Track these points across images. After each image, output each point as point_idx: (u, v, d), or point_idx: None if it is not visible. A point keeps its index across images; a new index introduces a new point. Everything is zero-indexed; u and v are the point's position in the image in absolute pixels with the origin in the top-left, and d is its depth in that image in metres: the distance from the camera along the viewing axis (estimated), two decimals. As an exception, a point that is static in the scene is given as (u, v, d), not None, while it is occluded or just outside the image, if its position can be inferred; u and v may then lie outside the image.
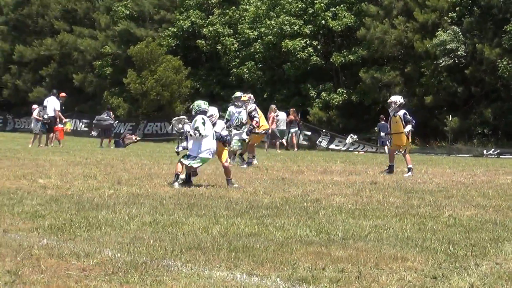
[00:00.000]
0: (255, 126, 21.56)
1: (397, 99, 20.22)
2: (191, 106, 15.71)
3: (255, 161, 21.94)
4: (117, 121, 44.95)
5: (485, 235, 9.14)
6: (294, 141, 38.97)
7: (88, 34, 60.01)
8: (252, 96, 22.52)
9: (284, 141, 37.52)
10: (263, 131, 22.73)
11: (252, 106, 21.79)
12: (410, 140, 20.59)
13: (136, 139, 21.01)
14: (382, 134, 22.52)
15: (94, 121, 39.55)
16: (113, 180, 15.43)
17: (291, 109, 39.73)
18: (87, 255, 7.38)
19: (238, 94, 22.55)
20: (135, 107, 53.19)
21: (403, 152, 20.08)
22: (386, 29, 44.81)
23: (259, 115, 22.08)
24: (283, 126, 37.28)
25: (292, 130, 38.60)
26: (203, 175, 16.61)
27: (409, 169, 19.60)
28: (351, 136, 23.58)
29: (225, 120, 20.48)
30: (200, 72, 54.30)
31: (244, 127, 21.58)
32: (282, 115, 37.34)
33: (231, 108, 22.22)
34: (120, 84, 54.22)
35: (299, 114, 40.80)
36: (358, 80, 46.22)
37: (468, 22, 43.21)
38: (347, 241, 8.58)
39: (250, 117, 21.56)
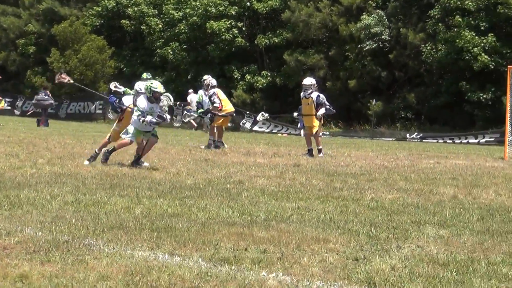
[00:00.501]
0: (218, 109, 21.58)
1: (313, 81, 20.37)
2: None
3: (226, 146, 22.10)
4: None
5: (407, 218, 9.23)
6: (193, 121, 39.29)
7: (11, 12, 58.94)
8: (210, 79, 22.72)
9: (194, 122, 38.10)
10: (227, 114, 22.49)
11: (211, 90, 21.83)
12: (322, 122, 20.71)
13: (69, 81, 20.82)
14: (295, 114, 22.63)
15: (33, 101, 39.20)
16: (35, 159, 15.18)
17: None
18: (8, 233, 7.23)
19: (205, 77, 22.66)
20: (58, 86, 52.40)
21: (315, 133, 20.17)
22: (311, 12, 44.99)
23: (222, 98, 22.06)
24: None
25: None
26: (125, 155, 16.45)
27: (320, 150, 19.83)
28: (262, 114, 23.57)
29: (197, 104, 21.99)
30: (124, 52, 53.79)
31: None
32: (194, 97, 37.97)
33: (201, 92, 22.38)
34: (44, 63, 53.43)
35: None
36: (282, 62, 46.37)
37: (393, 7, 43.68)
38: (269, 222, 8.57)
39: (211, 102, 21.58)
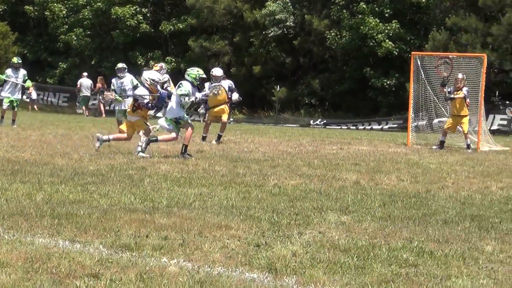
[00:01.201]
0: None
1: (222, 72, 20.49)
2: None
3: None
4: None
5: (309, 204, 9.31)
6: (101, 108, 38.97)
7: None
8: (163, 66, 22.56)
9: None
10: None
11: (165, 76, 21.74)
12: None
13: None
14: (201, 111, 22.65)
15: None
16: None
17: (99, 77, 40.13)
18: None
19: (120, 65, 22.51)
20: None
21: (226, 120, 20.22)
22: (216, -2, 44.94)
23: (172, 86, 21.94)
24: (87, 92, 39.56)
25: (100, 97, 38.62)
26: (28, 141, 16.16)
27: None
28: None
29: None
30: (27, 38, 52.65)
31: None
32: (87, 82, 39.33)
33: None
34: None
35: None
36: (187, 48, 46.19)
37: (298, -7, 43.95)
38: (171, 208, 8.54)
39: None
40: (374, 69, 40.40)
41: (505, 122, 34.14)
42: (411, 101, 23.10)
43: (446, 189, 11.51)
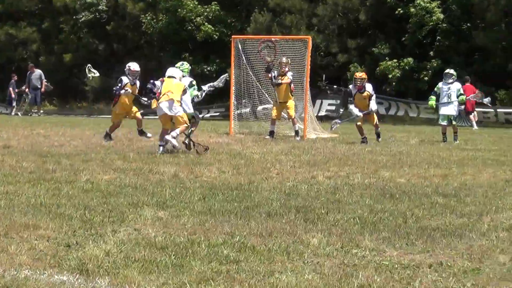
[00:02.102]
0: None
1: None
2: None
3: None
4: None
5: (124, 199, 9.26)
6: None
7: None
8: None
9: None
10: None
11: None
12: None
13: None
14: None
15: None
16: None
17: None
18: None
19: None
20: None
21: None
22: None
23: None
24: None
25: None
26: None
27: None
28: None
29: None
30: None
31: None
32: None
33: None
34: None
35: None
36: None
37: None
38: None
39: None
40: (194, 54, 40.53)
41: (333, 108, 34.85)
42: (232, 88, 23.26)
43: (270, 180, 11.68)
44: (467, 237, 7.41)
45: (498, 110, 32.29)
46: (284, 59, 21.35)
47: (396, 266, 6.28)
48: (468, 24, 36.05)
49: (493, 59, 34.65)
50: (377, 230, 7.68)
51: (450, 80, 20.65)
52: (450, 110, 20.67)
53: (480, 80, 33.53)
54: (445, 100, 20.58)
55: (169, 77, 16.38)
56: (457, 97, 20.55)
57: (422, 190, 10.67)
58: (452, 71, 21.09)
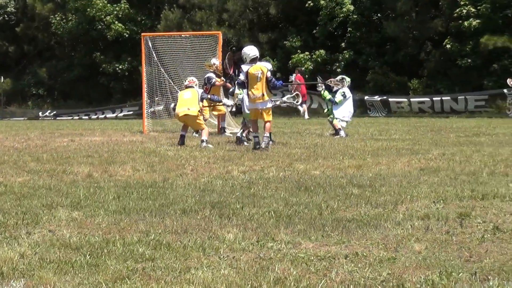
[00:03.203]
0: None
1: None
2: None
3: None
4: None
5: (38, 201, 9.15)
6: None
7: None
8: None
9: None
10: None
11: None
12: None
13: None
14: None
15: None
16: None
17: None
18: None
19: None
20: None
21: None
22: None
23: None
24: None
25: None
26: None
27: None
28: None
29: None
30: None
31: None
32: None
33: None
34: None
35: None
36: None
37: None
38: None
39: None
40: (105, 53, 40.29)
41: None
42: (144, 86, 23.19)
43: (185, 177, 11.67)
44: (382, 226, 7.49)
45: (412, 99, 32.76)
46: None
47: (312, 258, 6.31)
48: (378, 14, 36.61)
49: (404, 49, 35.22)
50: (292, 223, 7.72)
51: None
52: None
53: (392, 70, 34.13)
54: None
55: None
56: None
57: (337, 182, 10.76)
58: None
